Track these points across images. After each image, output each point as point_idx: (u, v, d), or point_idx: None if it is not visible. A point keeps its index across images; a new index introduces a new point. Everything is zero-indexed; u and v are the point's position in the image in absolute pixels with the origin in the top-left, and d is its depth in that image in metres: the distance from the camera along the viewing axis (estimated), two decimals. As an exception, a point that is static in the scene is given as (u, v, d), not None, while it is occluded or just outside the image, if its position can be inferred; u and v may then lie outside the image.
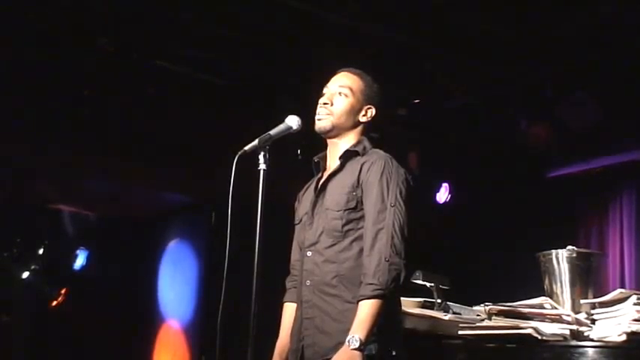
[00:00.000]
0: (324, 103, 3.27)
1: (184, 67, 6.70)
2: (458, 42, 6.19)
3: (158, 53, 6.50)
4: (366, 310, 2.90)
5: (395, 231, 3.00)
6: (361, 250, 3.04)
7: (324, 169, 3.32)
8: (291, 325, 3.25)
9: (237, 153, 2.98)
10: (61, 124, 6.90)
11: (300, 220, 3.32)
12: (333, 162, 3.29)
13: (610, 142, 7.03)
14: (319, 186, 3.26)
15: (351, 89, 3.29)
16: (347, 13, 5.83)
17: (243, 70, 6.80)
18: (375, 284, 2.91)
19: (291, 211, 3.45)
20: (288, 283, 3.41)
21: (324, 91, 3.33)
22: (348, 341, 2.86)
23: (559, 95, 6.66)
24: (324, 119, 3.26)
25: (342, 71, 3.37)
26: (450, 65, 6.62)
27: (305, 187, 3.43)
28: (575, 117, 6.60)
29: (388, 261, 2.94)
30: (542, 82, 6.69)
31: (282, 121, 3.13)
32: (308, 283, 3.13)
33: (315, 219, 3.20)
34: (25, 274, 10.15)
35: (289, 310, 3.34)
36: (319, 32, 6.08)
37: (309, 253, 3.17)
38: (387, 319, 2.96)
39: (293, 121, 3.13)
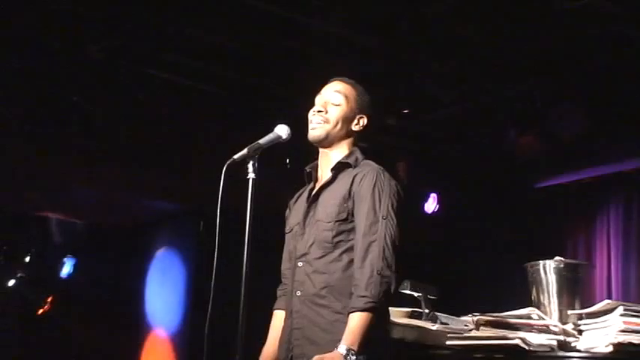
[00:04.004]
0: (319, 111, 3.27)
1: (174, 75, 6.70)
2: (447, 52, 6.21)
3: (148, 61, 6.50)
4: (358, 321, 2.90)
5: (386, 243, 3.00)
6: (351, 262, 3.05)
7: (316, 180, 3.32)
8: (280, 333, 3.25)
9: (225, 161, 2.97)
10: (49, 130, 6.88)
11: (291, 230, 3.31)
12: (324, 172, 3.29)
13: (598, 154, 7.07)
14: (311, 197, 3.26)
15: (345, 97, 3.29)
16: (336, 22, 5.84)
17: (233, 79, 6.80)
18: (368, 297, 2.91)
19: (281, 220, 3.45)
20: (279, 292, 3.40)
21: (317, 99, 3.33)
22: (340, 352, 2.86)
23: (547, 106, 6.68)
24: (318, 128, 3.25)
25: (335, 80, 3.38)
26: (439, 75, 6.64)
27: (296, 195, 3.43)
28: (563, 128, 6.63)
29: (380, 274, 2.95)
30: (530, 93, 6.72)
31: (271, 130, 3.13)
32: (298, 293, 3.13)
33: (307, 230, 3.19)
34: (12, 282, 10.11)
35: (278, 317, 3.33)
36: (309, 42, 6.09)
37: (300, 264, 3.17)
38: (377, 330, 2.96)
39: (282, 131, 3.12)
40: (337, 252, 3.09)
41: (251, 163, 2.98)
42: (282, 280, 3.39)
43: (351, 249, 3.07)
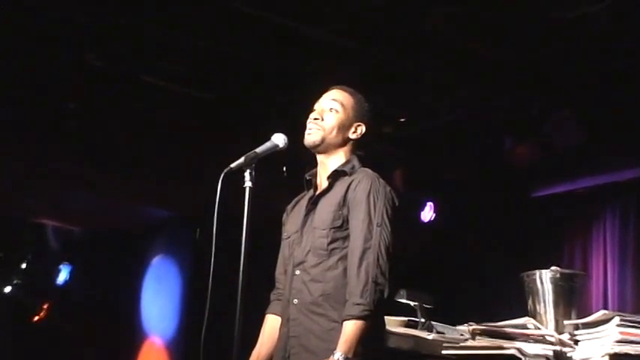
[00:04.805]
0: (315, 119, 3.28)
1: (171, 82, 6.70)
2: (445, 60, 6.21)
3: (145, 68, 6.50)
4: (353, 329, 2.90)
5: (381, 251, 3.00)
6: (346, 269, 3.05)
7: (315, 187, 3.32)
8: (271, 338, 3.26)
9: (222, 169, 2.97)
10: (46, 137, 6.89)
11: (289, 237, 3.31)
12: (323, 180, 3.29)
13: (594, 163, 7.07)
14: (309, 205, 3.26)
15: (342, 105, 3.30)
16: (335, 30, 5.85)
17: (231, 87, 6.80)
18: (364, 305, 2.91)
19: (277, 229, 3.45)
20: (272, 296, 3.40)
21: (315, 106, 3.34)
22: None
23: (544, 115, 6.69)
24: (313, 133, 3.26)
25: (334, 88, 3.39)
26: (437, 83, 6.65)
27: (294, 201, 3.43)
28: (559, 137, 6.63)
29: (375, 281, 2.95)
30: (527, 102, 6.72)
31: (268, 138, 3.14)
32: (295, 301, 3.13)
33: (304, 238, 3.20)
34: (8, 289, 10.11)
35: (270, 322, 3.34)
36: (307, 49, 6.10)
37: (297, 272, 3.16)
38: (372, 338, 2.97)
39: (279, 140, 3.13)
40: (332, 259, 3.09)
41: (248, 171, 2.99)
42: (276, 284, 3.40)
43: (346, 257, 3.06)
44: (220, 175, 2.97)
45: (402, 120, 7.33)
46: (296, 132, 3.28)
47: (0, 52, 6.09)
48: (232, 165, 2.99)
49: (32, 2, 5.60)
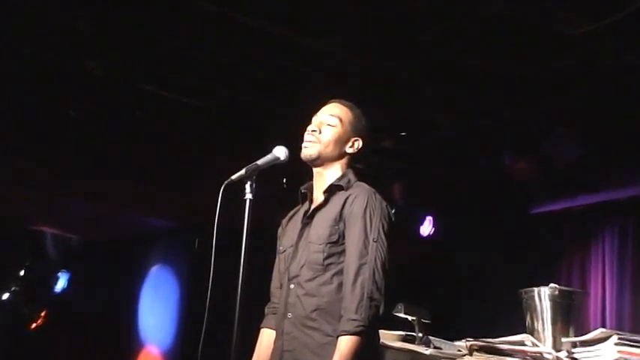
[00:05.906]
0: (313, 131, 3.29)
1: (172, 92, 6.71)
2: (445, 75, 6.22)
3: (146, 77, 6.51)
4: (348, 345, 2.89)
5: (377, 267, 3.00)
6: (341, 285, 3.04)
7: (311, 201, 3.32)
8: (267, 352, 3.26)
9: (222, 179, 2.98)
10: (46, 145, 6.89)
11: (285, 250, 3.31)
12: (319, 194, 3.29)
13: (593, 181, 7.07)
14: (305, 218, 3.26)
15: (340, 119, 3.30)
16: (336, 43, 5.86)
17: (232, 98, 6.81)
18: (359, 320, 2.91)
19: (276, 241, 3.44)
20: (267, 309, 3.40)
21: (313, 119, 3.35)
22: None
23: (544, 131, 6.70)
24: (310, 147, 3.26)
25: (333, 102, 3.40)
26: (437, 98, 6.66)
27: (289, 215, 3.43)
28: (559, 153, 6.64)
29: (370, 297, 2.95)
30: (527, 118, 6.73)
31: (269, 150, 3.14)
32: (290, 315, 3.13)
33: (299, 252, 3.19)
34: (5, 296, 10.10)
35: (266, 335, 3.33)
36: (308, 62, 6.10)
37: (292, 286, 3.16)
38: (367, 354, 2.96)
39: (280, 152, 3.13)
40: (328, 274, 3.08)
41: (248, 183, 2.99)
42: (271, 298, 3.39)
43: (341, 272, 3.06)
44: (220, 186, 2.97)
45: (402, 134, 7.33)
46: (297, 145, 3.29)
47: (1, 59, 6.09)
48: (233, 177, 2.99)
49: (33, 10, 5.61)
